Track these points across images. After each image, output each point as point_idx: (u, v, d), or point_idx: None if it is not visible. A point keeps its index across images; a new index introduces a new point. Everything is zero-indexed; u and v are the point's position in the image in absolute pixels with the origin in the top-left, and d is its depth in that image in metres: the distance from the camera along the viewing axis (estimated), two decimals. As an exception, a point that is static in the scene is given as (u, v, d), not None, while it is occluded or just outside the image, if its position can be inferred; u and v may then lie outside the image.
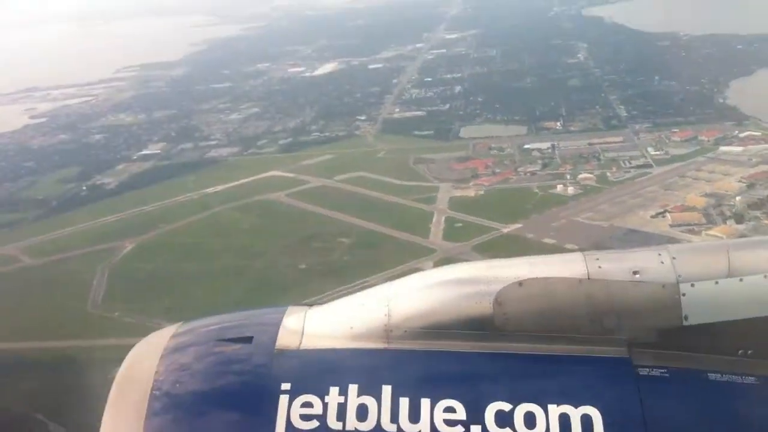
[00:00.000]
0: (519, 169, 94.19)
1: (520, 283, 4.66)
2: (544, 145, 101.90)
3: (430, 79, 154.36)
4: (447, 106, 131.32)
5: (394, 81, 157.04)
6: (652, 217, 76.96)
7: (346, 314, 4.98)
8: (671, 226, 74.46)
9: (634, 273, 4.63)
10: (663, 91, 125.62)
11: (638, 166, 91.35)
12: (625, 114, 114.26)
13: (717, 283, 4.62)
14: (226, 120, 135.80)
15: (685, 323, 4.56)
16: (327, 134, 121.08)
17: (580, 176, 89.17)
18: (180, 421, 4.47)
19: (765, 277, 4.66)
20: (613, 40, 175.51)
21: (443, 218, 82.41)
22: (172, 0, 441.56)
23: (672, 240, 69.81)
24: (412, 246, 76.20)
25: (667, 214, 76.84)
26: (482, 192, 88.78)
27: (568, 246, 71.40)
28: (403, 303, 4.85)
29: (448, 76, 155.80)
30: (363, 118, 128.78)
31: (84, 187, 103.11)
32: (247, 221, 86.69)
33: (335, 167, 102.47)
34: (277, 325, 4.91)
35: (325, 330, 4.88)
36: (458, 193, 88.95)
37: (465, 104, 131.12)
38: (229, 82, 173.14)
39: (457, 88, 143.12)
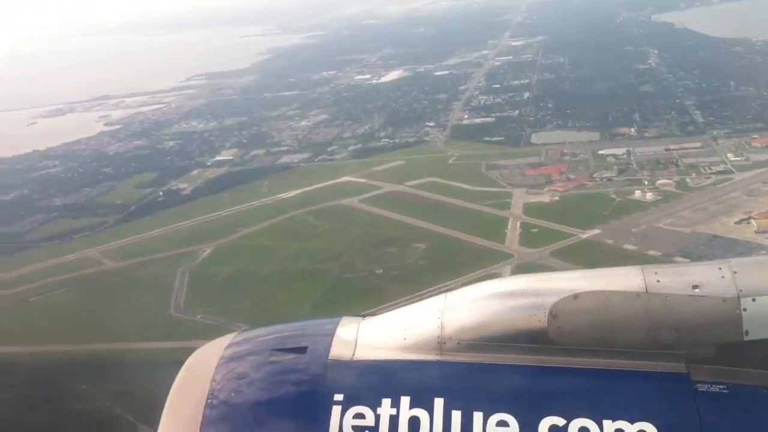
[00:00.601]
0: (594, 175, 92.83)
1: (576, 296, 4.61)
2: (619, 151, 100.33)
3: (498, 86, 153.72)
4: (516, 112, 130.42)
5: (462, 87, 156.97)
6: (736, 223, 74.92)
7: (400, 325, 4.97)
8: (757, 232, 72.40)
9: (694, 287, 4.54)
10: (740, 96, 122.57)
11: (719, 172, 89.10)
12: (702, 120, 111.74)
13: None
14: (296, 127, 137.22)
15: (745, 338, 4.41)
16: (396, 140, 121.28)
17: (659, 182, 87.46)
18: (235, 430, 4.52)
19: None
20: (685, 45, 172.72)
21: (519, 223, 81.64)
22: (231, 11, 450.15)
23: (760, 247, 68.22)
24: (488, 251, 75.66)
25: (752, 221, 74.74)
26: (557, 198, 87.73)
27: (651, 253, 70.23)
28: (457, 315, 4.82)
29: (516, 82, 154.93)
30: (432, 124, 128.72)
31: (161, 193, 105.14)
32: (322, 225, 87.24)
33: (406, 173, 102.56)
34: (330, 335, 4.96)
35: (378, 341, 4.89)
36: (533, 198, 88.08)
37: (535, 110, 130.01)
38: (296, 89, 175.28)
39: (526, 95, 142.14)
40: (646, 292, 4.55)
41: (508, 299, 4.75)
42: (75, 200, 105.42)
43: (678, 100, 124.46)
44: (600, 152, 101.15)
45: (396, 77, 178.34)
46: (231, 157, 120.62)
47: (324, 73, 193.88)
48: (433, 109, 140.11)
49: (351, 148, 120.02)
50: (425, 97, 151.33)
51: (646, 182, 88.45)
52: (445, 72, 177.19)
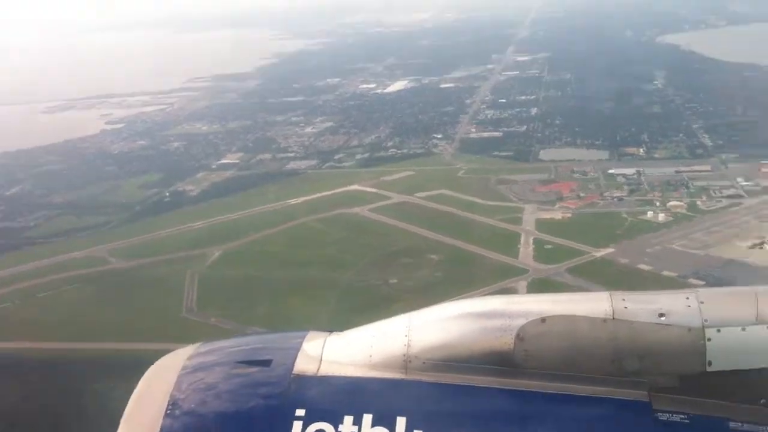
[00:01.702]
0: (605, 194, 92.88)
1: (543, 320, 4.62)
2: (629, 171, 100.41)
3: (504, 101, 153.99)
4: (524, 127, 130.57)
5: (468, 101, 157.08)
6: (750, 248, 74.86)
7: (366, 342, 4.94)
8: (771, 258, 72.35)
9: (660, 315, 4.57)
10: (749, 122, 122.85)
11: (729, 196, 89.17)
12: (711, 143, 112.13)
13: (744, 329, 4.54)
14: (302, 133, 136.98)
15: (708, 369, 4.45)
16: (404, 151, 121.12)
17: (670, 203, 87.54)
18: None
19: None
20: (692, 68, 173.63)
21: (531, 239, 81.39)
22: (235, 13, 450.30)
23: (777, 272, 68.12)
24: (502, 265, 75.29)
25: (766, 246, 74.66)
26: (569, 215, 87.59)
27: (665, 273, 70.13)
28: (424, 334, 4.82)
29: (523, 97, 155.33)
30: (439, 136, 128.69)
31: (167, 194, 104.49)
32: (332, 234, 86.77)
33: (416, 184, 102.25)
34: (296, 349, 4.95)
35: (344, 357, 4.86)
36: (544, 215, 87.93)
37: (543, 126, 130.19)
38: (301, 95, 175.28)
39: (533, 110, 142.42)
40: (613, 318, 4.57)
41: (476, 320, 4.74)
42: (79, 198, 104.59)
43: (686, 123, 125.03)
44: (610, 171, 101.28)
45: (401, 87, 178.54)
46: (237, 161, 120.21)
47: (329, 80, 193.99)
48: (440, 121, 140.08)
49: (358, 156, 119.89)
50: (432, 108, 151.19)
51: (657, 203, 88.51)
52: (451, 84, 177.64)
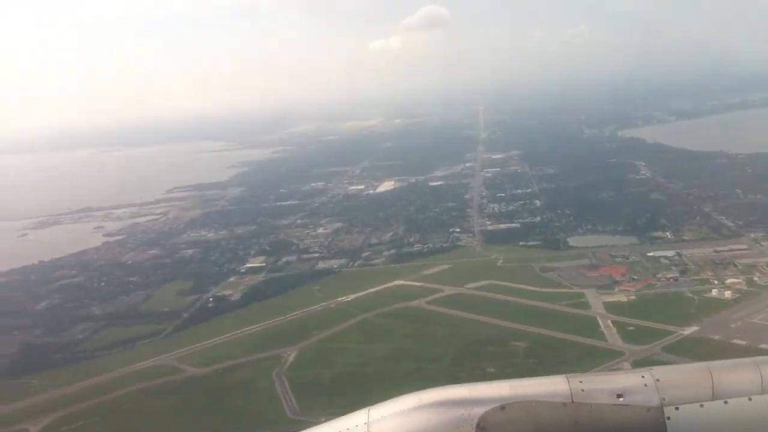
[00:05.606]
0: (658, 276, 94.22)
1: (503, 407, 4.73)
2: (669, 253, 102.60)
3: (502, 195, 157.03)
4: (538, 218, 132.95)
5: (466, 196, 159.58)
6: (829, 316, 76.85)
7: None
8: None
9: (618, 396, 4.71)
10: (754, 202, 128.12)
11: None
12: (732, 224, 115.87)
13: (702, 406, 4.68)
14: (315, 234, 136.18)
15: None
16: (429, 246, 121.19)
17: (729, 281, 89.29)
18: None
19: (749, 399, 4.73)
20: (668, 158, 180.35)
21: (609, 322, 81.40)
22: (179, 128, 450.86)
23: None
24: (594, 349, 74.87)
25: (844, 314, 76.71)
26: (633, 297, 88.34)
27: (763, 346, 70.79)
28: (384, 428, 4.95)
29: (519, 191, 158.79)
30: (458, 230, 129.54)
31: (210, 299, 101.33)
32: (402, 327, 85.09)
33: (460, 276, 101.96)
34: None
35: None
36: (608, 298, 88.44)
37: (557, 216, 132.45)
38: (293, 199, 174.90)
39: (537, 202, 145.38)
40: (572, 401, 4.66)
41: (436, 411, 4.82)
42: (116, 308, 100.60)
43: (696, 207, 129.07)
44: (650, 254, 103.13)
45: (390, 187, 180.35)
46: (263, 264, 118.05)
47: (312, 184, 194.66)
48: (449, 216, 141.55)
49: (386, 253, 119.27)
50: (434, 205, 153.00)
51: (715, 281, 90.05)
52: (440, 182, 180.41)
